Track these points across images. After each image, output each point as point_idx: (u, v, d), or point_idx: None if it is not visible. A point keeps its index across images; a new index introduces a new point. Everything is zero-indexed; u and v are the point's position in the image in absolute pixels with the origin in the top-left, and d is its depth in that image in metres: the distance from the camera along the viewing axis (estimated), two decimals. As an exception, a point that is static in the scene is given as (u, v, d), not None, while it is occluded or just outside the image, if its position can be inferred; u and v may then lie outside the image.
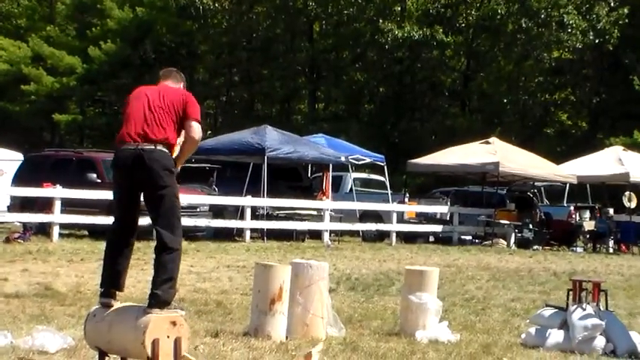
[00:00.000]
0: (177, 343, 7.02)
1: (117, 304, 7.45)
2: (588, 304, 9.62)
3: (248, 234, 25.12)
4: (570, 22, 42.76)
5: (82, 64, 47.89)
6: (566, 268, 20.32)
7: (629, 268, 21.62)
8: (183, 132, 7.62)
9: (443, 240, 28.93)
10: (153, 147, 7.40)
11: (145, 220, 7.55)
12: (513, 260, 22.58)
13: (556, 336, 9.59)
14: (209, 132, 50.13)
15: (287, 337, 9.35)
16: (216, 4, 48.92)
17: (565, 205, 33.29)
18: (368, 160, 31.19)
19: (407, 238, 28.84)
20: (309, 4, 47.24)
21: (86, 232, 24.23)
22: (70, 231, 24.15)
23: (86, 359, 7.82)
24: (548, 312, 10.00)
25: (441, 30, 43.98)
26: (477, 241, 28.99)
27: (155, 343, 6.91)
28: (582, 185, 32.63)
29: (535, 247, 27.96)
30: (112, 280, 7.52)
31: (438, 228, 29.41)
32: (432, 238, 29.71)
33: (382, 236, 28.84)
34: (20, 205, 23.85)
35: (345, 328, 9.95)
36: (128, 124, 7.54)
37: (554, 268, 20.51)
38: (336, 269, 17.06)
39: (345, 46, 49.05)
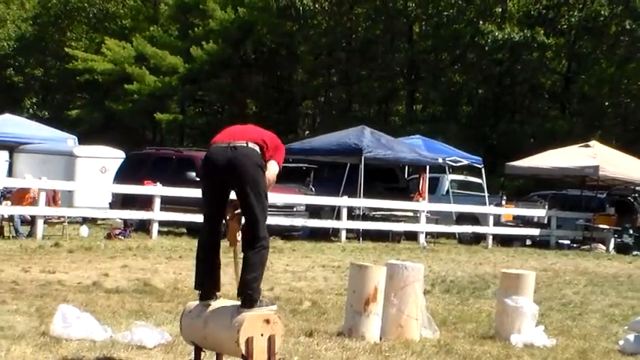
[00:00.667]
0: (271, 340, 7.09)
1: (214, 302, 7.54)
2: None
3: (344, 234, 25.19)
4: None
5: (184, 63, 48.49)
6: (667, 275, 19.93)
7: None
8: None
9: (540, 244, 28.62)
10: (244, 144, 7.46)
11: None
12: (612, 265, 22.22)
13: (655, 344, 9.44)
14: (307, 132, 50.47)
15: (381, 338, 9.37)
16: (317, 5, 49.13)
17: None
18: (465, 162, 31.01)
19: (503, 241, 28.58)
20: (409, 5, 47.14)
21: (184, 230, 24.58)
22: (169, 228, 24.53)
23: (183, 355, 7.94)
24: (647, 319, 9.86)
25: (542, 31, 43.41)
26: (574, 245, 28.56)
27: (249, 341, 6.99)
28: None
29: (635, 252, 27.41)
30: (210, 280, 7.61)
31: (535, 231, 29.10)
32: (528, 242, 29.41)
33: (478, 239, 28.63)
34: (121, 202, 24.27)
35: (439, 330, 9.94)
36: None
37: (655, 274, 20.13)
38: (431, 271, 17.02)
39: (445, 47, 48.73)
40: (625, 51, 44.48)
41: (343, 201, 25.16)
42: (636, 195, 30.88)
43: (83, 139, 35.06)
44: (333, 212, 25.86)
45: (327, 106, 54.73)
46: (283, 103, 52.50)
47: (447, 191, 30.31)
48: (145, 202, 22.66)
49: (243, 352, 6.98)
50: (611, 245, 27.81)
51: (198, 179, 22.93)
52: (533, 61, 45.34)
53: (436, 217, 27.77)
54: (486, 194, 30.08)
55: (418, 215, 26.71)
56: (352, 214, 25.84)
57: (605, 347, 9.86)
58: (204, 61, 48.22)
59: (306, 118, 57.04)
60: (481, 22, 44.17)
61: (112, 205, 25.01)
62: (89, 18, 57.50)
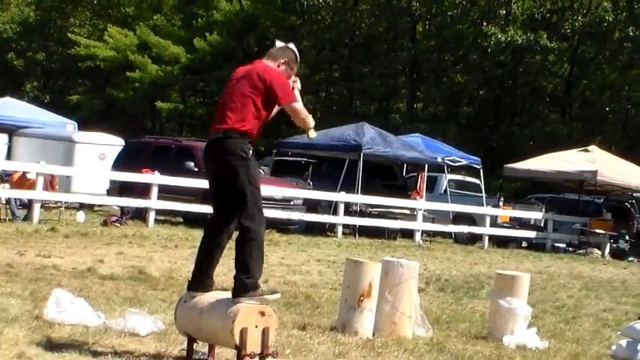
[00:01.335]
0: (264, 333, 7.11)
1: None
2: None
3: (340, 229, 25.21)
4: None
5: (186, 54, 48.45)
6: (661, 282, 19.95)
7: None
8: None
9: (536, 246, 28.64)
10: (221, 135, 7.47)
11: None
12: (607, 270, 22.24)
13: (647, 350, 9.44)
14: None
15: (374, 334, 9.37)
16: (321, 0, 49.10)
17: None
18: (464, 162, 31.03)
19: (499, 242, 28.62)
20: (413, 4, 47.08)
21: (181, 219, 24.59)
22: (166, 217, 24.52)
23: (175, 344, 7.94)
24: (640, 325, 9.86)
25: (545, 35, 43.40)
26: (570, 249, 28.57)
27: (243, 332, 7.00)
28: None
29: (630, 258, 27.44)
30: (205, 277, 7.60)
31: (531, 234, 29.13)
32: (524, 244, 29.45)
33: (474, 239, 28.66)
34: (119, 189, 24.30)
35: (432, 328, 9.94)
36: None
37: (650, 281, 20.14)
38: (426, 269, 17.03)
39: (447, 47, 48.71)
40: (628, 57, 44.53)
41: (341, 196, 25.17)
42: (633, 201, 30.94)
43: (83, 125, 34.99)
44: (330, 207, 25.87)
45: (328, 102, 54.69)
46: (284, 97, 52.37)
47: (445, 190, 30.33)
48: (142, 190, 22.66)
49: (237, 342, 6.99)
50: (607, 250, 27.81)
51: (196, 169, 22.99)
52: (535, 64, 45.39)
53: (433, 216, 27.78)
54: (484, 195, 30.13)
55: (415, 213, 26.74)
56: (349, 210, 25.85)
57: (598, 352, 9.87)
58: (206, 52, 48.19)
59: (306, 113, 56.97)
60: (485, 24, 44.19)
61: (110, 192, 25.01)
62: (93, 4, 57.48)
